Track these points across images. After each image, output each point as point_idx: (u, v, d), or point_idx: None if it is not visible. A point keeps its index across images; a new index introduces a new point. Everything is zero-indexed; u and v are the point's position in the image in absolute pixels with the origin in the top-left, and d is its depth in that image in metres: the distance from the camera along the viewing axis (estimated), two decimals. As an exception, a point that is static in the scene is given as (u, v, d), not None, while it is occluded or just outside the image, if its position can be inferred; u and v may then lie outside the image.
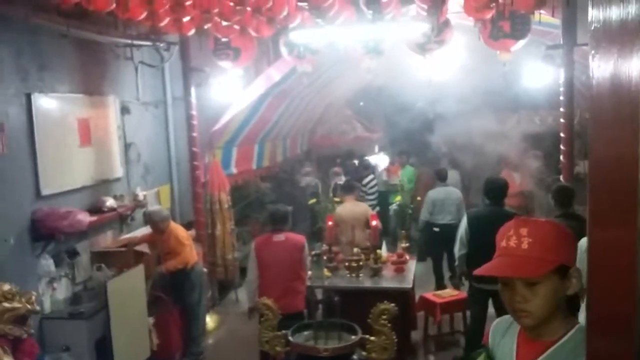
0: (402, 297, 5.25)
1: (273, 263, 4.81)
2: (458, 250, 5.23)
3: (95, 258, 5.28)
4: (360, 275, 5.58)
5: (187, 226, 6.37)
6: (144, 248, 5.60)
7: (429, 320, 6.01)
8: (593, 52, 0.86)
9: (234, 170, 7.90)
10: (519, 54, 5.48)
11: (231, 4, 4.41)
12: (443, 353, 5.89)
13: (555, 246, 1.50)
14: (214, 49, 5.76)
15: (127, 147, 6.06)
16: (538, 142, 9.20)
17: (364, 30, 5.04)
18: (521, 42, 5.13)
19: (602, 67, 0.83)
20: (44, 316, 4.57)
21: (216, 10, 4.47)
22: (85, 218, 4.82)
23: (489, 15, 4.82)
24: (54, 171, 4.83)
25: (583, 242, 2.30)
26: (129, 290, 4.87)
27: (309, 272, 5.12)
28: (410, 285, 5.53)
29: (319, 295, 5.32)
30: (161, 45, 6.23)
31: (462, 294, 5.85)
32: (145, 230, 5.89)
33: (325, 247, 5.86)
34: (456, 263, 5.38)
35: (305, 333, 3.33)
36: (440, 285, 7.28)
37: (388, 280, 5.59)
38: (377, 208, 8.78)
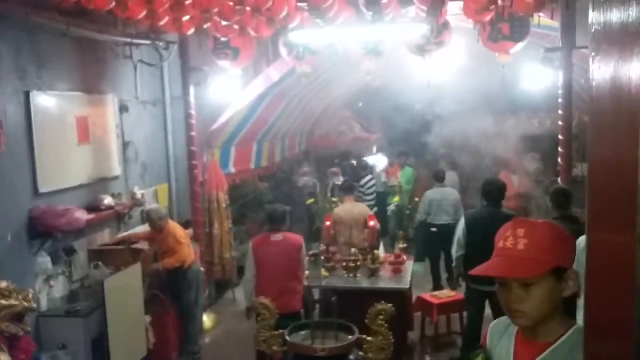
0: (400, 297, 5.26)
1: (271, 263, 4.81)
2: (456, 251, 5.24)
3: (92, 256, 5.27)
4: (358, 275, 5.58)
5: (185, 225, 6.37)
6: (143, 245, 5.60)
7: (426, 321, 6.02)
8: (593, 54, 0.86)
9: (232, 169, 7.90)
10: (518, 57, 5.49)
11: (231, 3, 4.41)
12: (440, 354, 5.90)
13: (551, 248, 1.50)
14: (214, 49, 5.76)
15: (125, 145, 6.05)
16: (536, 144, 9.22)
17: (364, 31, 5.05)
18: (520, 45, 5.14)
19: (602, 70, 0.84)
20: (41, 314, 4.56)
21: (216, 10, 4.46)
22: (82, 216, 4.82)
23: (488, 17, 4.83)
24: (52, 169, 4.82)
25: (581, 240, 2.31)
26: (126, 289, 4.86)
27: (307, 272, 5.12)
28: (407, 286, 5.53)
29: (317, 295, 5.32)
30: (160, 44, 6.23)
31: (460, 295, 5.86)
32: (144, 228, 5.91)
33: (323, 247, 5.86)
34: (454, 264, 5.39)
35: (303, 333, 3.34)
36: (437, 286, 7.29)
37: (385, 280, 5.60)
38: (375, 209, 8.78)
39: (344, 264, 5.64)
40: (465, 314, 5.66)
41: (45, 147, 4.71)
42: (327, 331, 3.27)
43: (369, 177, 9.53)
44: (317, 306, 4.59)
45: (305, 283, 5.09)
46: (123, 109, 6.00)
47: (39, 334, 4.49)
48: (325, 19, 4.60)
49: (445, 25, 5.27)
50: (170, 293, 5.68)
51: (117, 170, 5.84)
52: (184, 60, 6.64)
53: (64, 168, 5.01)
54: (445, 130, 9.70)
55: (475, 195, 8.38)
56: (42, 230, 4.56)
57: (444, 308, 5.84)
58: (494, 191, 5.16)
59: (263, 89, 7.12)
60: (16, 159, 4.43)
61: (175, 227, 5.71)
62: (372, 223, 5.97)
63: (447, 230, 6.97)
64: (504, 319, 1.68)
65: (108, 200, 5.41)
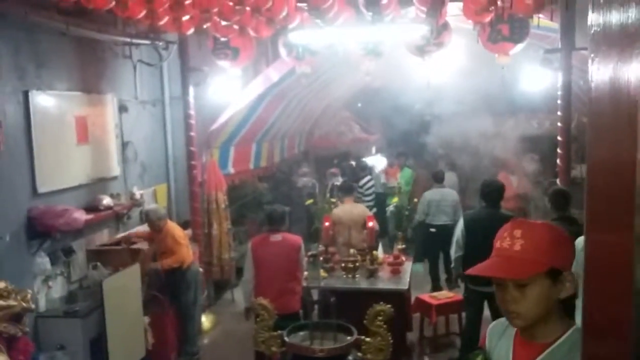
0: (398, 298, 5.26)
1: (269, 263, 4.81)
2: (454, 252, 5.24)
3: (91, 256, 5.26)
4: (357, 276, 5.58)
5: (184, 225, 6.36)
6: (142, 245, 5.59)
7: (424, 322, 6.02)
8: (592, 55, 0.86)
9: (231, 170, 7.89)
10: (517, 58, 5.49)
11: (230, 3, 4.41)
12: (438, 355, 5.90)
13: (548, 249, 1.50)
14: (213, 49, 5.75)
15: (124, 145, 6.04)
16: (535, 145, 9.21)
17: (363, 31, 5.05)
18: (520, 46, 5.15)
19: (601, 71, 0.84)
20: (39, 314, 4.55)
21: (215, 10, 4.46)
22: (81, 216, 4.81)
23: (487, 18, 4.83)
24: (51, 169, 4.81)
25: (579, 241, 2.31)
26: (124, 289, 4.86)
27: (306, 273, 5.12)
28: (406, 287, 5.53)
29: (315, 295, 5.31)
30: (160, 44, 6.22)
31: (458, 295, 5.86)
32: (143, 228, 5.91)
33: (321, 247, 5.86)
34: (452, 265, 5.39)
35: (301, 333, 3.33)
36: (436, 287, 7.29)
37: (384, 281, 5.60)
38: (374, 209, 8.78)
39: (343, 264, 5.63)
40: (463, 314, 5.66)
41: (44, 147, 4.70)
42: (326, 332, 3.27)
43: (368, 177, 9.54)
44: (316, 307, 4.58)
45: (304, 283, 5.09)
46: (122, 108, 6.00)
47: (37, 335, 4.48)
48: (325, 19, 4.60)
49: (445, 26, 5.27)
50: (169, 293, 5.68)
51: (116, 170, 5.84)
52: (184, 60, 6.64)
53: (63, 168, 5.01)
54: (444, 131, 9.69)
55: (474, 196, 8.37)
56: (40, 230, 4.56)
57: (443, 309, 5.83)
58: (493, 192, 5.16)
59: (262, 89, 7.12)
60: (15, 159, 4.43)
61: (174, 227, 5.71)
62: (371, 224, 5.97)
63: (446, 231, 6.98)
64: (503, 319, 1.68)
65: (107, 201, 5.40)
